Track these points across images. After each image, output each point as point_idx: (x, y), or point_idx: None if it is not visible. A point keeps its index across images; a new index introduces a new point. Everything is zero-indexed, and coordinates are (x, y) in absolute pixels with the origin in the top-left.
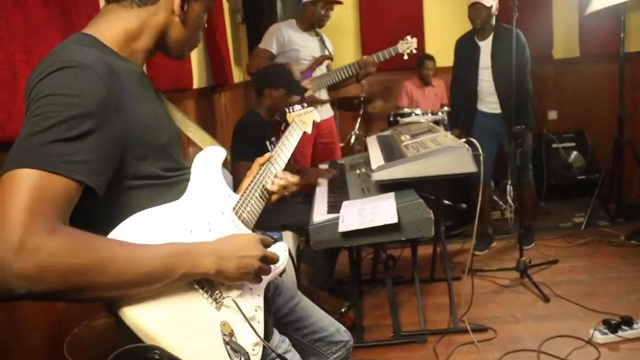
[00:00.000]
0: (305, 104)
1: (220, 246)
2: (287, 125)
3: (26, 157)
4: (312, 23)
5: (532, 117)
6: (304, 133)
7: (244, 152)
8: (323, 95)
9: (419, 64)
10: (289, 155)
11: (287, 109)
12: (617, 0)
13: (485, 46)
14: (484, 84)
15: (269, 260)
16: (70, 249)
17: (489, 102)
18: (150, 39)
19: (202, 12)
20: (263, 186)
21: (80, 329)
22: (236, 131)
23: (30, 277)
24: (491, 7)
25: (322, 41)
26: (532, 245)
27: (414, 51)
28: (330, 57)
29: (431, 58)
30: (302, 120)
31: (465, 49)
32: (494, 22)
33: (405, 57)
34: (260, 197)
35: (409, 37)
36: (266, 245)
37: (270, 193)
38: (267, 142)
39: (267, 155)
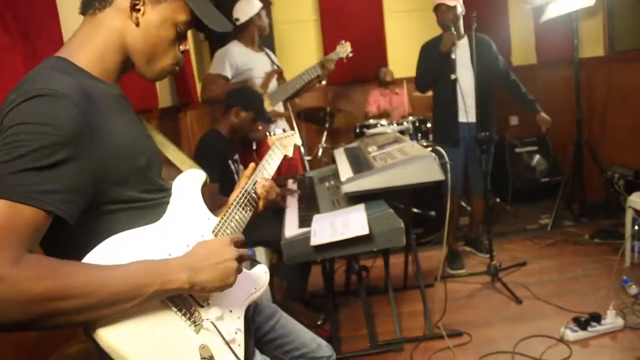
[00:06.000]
0: (284, 128)
1: (191, 258)
2: (258, 144)
3: None
4: (255, 37)
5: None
6: (285, 156)
7: (205, 173)
8: (280, 108)
9: (377, 73)
10: (269, 177)
11: (267, 133)
12: (569, 8)
13: (462, 45)
14: (462, 83)
15: (243, 259)
16: (34, 277)
17: (466, 105)
18: (116, 52)
19: (167, 24)
20: (250, 195)
21: (54, 358)
22: (197, 151)
23: None
24: (455, 7)
25: (268, 56)
26: (463, 270)
27: (350, 54)
28: (280, 71)
29: (385, 66)
30: (283, 144)
31: (436, 49)
32: (462, 26)
33: (345, 60)
34: (247, 208)
35: (343, 41)
36: (237, 243)
37: (257, 201)
38: (230, 161)
39: (252, 165)
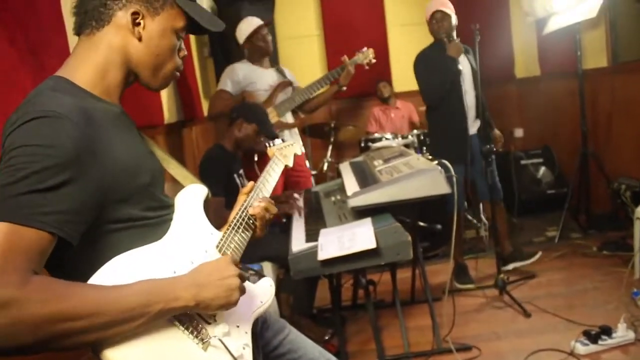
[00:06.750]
0: (283, 138)
1: (195, 276)
2: (260, 155)
3: None
4: (260, 54)
5: None
6: (286, 166)
7: (211, 188)
8: (289, 119)
9: (376, 89)
10: (271, 189)
11: (266, 144)
12: (571, 20)
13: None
14: (467, 96)
15: (243, 279)
16: (41, 299)
17: (470, 119)
18: (118, 68)
19: (168, 33)
20: (247, 216)
21: None
22: (202, 166)
23: (2, 334)
24: (451, 15)
25: (279, 71)
26: (471, 285)
27: (373, 60)
28: (289, 83)
29: (383, 80)
30: (283, 154)
31: (437, 59)
32: (456, 38)
33: (366, 67)
34: (246, 229)
35: (365, 49)
36: (234, 262)
37: (255, 223)
38: (235, 175)
39: (250, 184)
